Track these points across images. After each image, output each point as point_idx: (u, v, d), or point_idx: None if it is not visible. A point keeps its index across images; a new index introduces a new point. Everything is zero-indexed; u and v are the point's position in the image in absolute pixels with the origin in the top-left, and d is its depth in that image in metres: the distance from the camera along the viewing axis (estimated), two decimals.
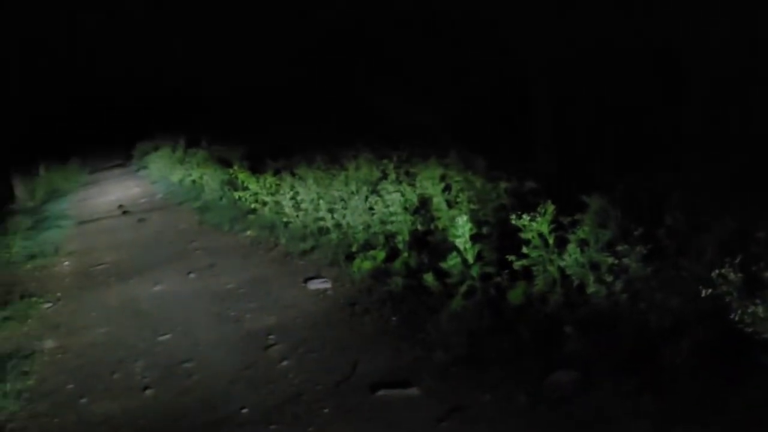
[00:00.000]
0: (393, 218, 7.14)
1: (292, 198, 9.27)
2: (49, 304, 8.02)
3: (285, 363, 5.31)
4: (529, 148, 8.13)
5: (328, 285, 6.96)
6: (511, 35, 8.75)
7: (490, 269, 5.48)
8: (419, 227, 6.97)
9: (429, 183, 7.04)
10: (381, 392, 4.55)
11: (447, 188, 6.91)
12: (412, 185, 7.41)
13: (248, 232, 9.98)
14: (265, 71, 16.53)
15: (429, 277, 5.82)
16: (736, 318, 3.49)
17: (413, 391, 4.51)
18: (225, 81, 18.87)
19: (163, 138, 21.69)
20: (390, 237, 7.21)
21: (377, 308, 6.07)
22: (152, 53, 24.58)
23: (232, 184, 11.94)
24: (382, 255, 6.99)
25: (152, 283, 8.21)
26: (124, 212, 14.30)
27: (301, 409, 4.53)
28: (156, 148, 21.34)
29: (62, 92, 26.58)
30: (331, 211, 8.33)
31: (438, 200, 6.76)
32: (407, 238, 6.93)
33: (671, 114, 6.55)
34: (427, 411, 4.23)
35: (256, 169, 11.46)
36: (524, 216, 4.99)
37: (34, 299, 8.21)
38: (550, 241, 4.92)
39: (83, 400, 5.27)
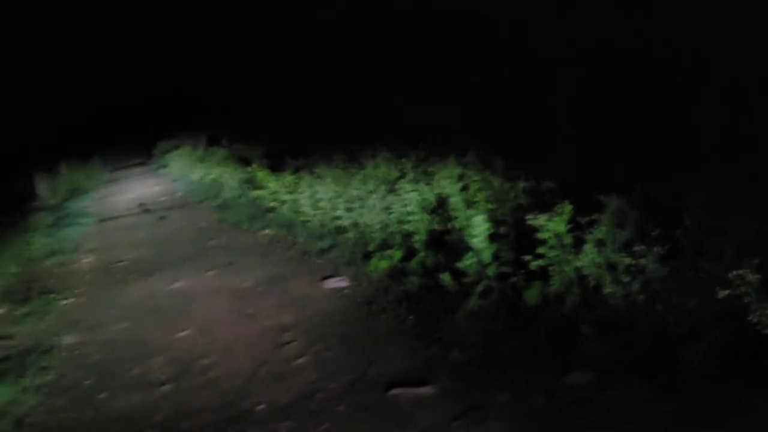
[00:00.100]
0: (410, 217, 7.13)
1: (311, 197, 9.30)
2: (69, 301, 8.13)
3: (301, 360, 5.33)
4: (547, 148, 8.08)
5: (345, 284, 6.97)
6: (529, 36, 8.71)
7: (506, 269, 5.46)
8: (436, 227, 6.96)
9: (447, 182, 7.02)
10: (396, 391, 4.55)
11: (465, 188, 6.88)
12: (430, 184, 7.39)
13: (267, 231, 10.03)
14: (286, 72, 16.60)
15: (446, 277, 5.81)
16: (755, 319, 3.46)
17: (428, 389, 4.50)
18: (246, 81, 18.98)
19: (184, 137, 21.88)
20: (407, 236, 7.20)
21: (394, 307, 6.07)
22: (174, 55, 24.82)
23: (252, 183, 12.01)
24: (399, 254, 6.99)
25: (171, 281, 8.28)
26: (145, 210, 14.44)
27: (316, 407, 4.55)
28: (177, 147, 21.51)
29: (86, 93, 26.92)
30: (348, 210, 8.34)
31: (455, 200, 6.73)
32: (424, 237, 6.91)
33: (689, 115, 6.48)
34: (441, 410, 4.22)
35: (275, 168, 11.52)
36: (541, 216, 4.97)
37: (53, 295, 8.32)
38: (567, 241, 4.89)
39: (101, 396, 5.33)
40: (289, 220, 9.81)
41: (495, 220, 5.92)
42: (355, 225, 8.18)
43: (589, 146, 7.65)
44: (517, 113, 9.03)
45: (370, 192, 8.01)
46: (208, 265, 8.69)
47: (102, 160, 25.44)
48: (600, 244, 4.65)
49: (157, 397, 5.15)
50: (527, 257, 5.05)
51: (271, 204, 10.56)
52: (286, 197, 10.18)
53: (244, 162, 14.10)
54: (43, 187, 18.77)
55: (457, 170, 7.17)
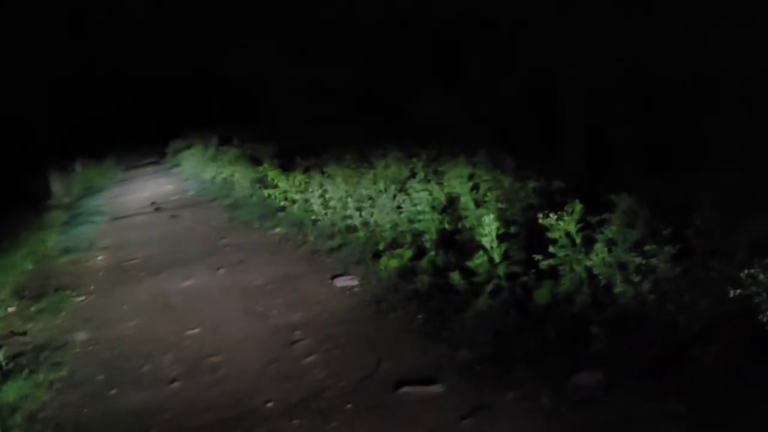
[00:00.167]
0: (420, 217, 7.13)
1: (321, 196, 9.33)
2: (82, 298, 8.19)
3: (310, 359, 5.34)
4: (557, 148, 8.06)
5: (354, 282, 6.98)
6: (539, 36, 8.69)
7: (516, 268, 5.45)
8: (446, 226, 6.96)
9: (457, 182, 7.02)
10: (404, 389, 4.56)
11: (475, 187, 6.88)
12: (440, 184, 7.40)
13: (277, 230, 10.06)
14: (296, 72, 16.64)
15: (455, 276, 5.80)
16: (766, 319, 3.43)
17: (437, 388, 4.50)
18: (256, 81, 19.04)
19: (196, 136, 21.97)
20: (417, 235, 7.20)
21: (403, 306, 6.07)
22: (187, 54, 24.94)
23: (263, 182, 12.06)
24: (409, 253, 6.99)
25: (182, 278, 8.32)
26: (157, 209, 14.51)
27: (325, 405, 4.56)
28: (189, 146, 21.61)
29: (100, 93, 27.10)
30: (359, 209, 8.36)
31: (466, 199, 6.73)
32: (434, 236, 6.92)
33: (700, 114, 6.44)
34: (450, 409, 4.22)
35: (285, 167, 11.55)
36: (551, 215, 4.96)
37: (67, 292, 8.39)
38: (578, 241, 4.87)
39: (112, 392, 5.37)
40: (300, 219, 9.83)
41: (505, 220, 5.92)
42: (365, 224, 8.19)
43: (600, 146, 7.62)
44: (527, 113, 9.00)
45: (381, 191, 8.02)
46: (218, 264, 8.73)
47: (115, 159, 25.61)
48: (610, 243, 4.63)
49: (167, 394, 5.18)
50: (537, 257, 5.04)
51: (282, 203, 10.60)
52: (297, 196, 10.21)
53: (255, 161, 14.16)
54: (57, 186, 18.94)
55: (467, 170, 7.17)
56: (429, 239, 6.92)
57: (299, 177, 10.44)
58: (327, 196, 9.18)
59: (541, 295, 5.08)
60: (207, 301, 7.32)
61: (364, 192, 8.37)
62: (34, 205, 16.18)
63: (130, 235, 12.04)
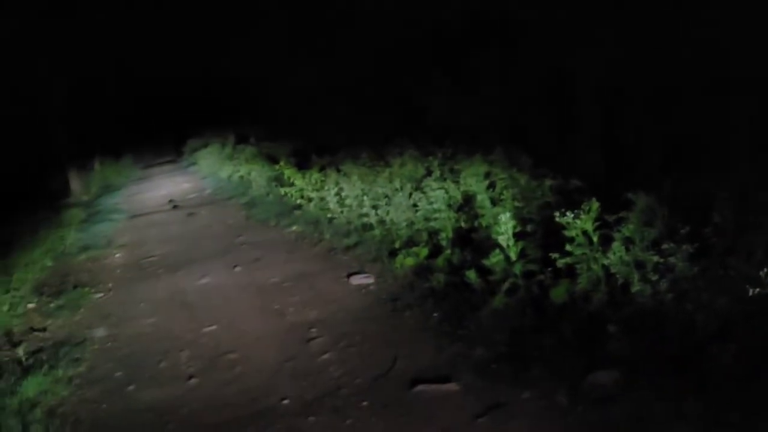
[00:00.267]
0: (436, 215, 7.13)
1: (337, 194, 9.35)
2: (101, 295, 8.27)
3: (326, 356, 5.36)
4: (574, 146, 8.01)
5: (370, 280, 6.99)
6: (555, 34, 8.63)
7: (533, 267, 5.43)
8: (463, 224, 6.95)
9: (473, 180, 7.00)
10: (420, 387, 4.56)
11: (491, 185, 6.87)
12: (457, 182, 7.39)
13: (294, 228, 10.09)
14: (311, 71, 16.67)
15: (471, 274, 5.80)
16: None
17: (452, 386, 4.50)
18: (271, 81, 19.10)
19: (213, 135, 22.10)
20: (433, 234, 7.20)
21: (419, 304, 6.07)
22: (203, 55, 25.11)
23: (279, 180, 12.11)
24: (425, 251, 6.99)
25: (199, 276, 8.38)
26: (174, 207, 14.62)
27: (341, 402, 4.57)
28: (206, 145, 21.75)
29: (118, 93, 27.35)
30: (375, 207, 8.37)
31: (482, 197, 6.72)
32: (450, 235, 6.91)
33: (719, 112, 6.37)
34: (465, 407, 4.22)
35: (302, 166, 11.60)
36: (568, 213, 4.93)
37: (86, 289, 8.48)
38: (595, 239, 4.85)
39: (130, 388, 5.42)
40: (316, 217, 9.86)
41: (521, 218, 5.90)
42: (381, 222, 8.20)
43: (617, 144, 7.57)
44: (544, 111, 8.96)
45: (397, 189, 8.02)
46: (235, 261, 8.77)
47: (133, 158, 25.83)
48: (628, 242, 4.60)
49: (184, 390, 5.22)
50: (554, 255, 5.02)
51: (298, 201, 10.64)
52: (313, 195, 10.24)
53: (272, 160, 14.21)
54: (76, 184, 19.15)
55: (483, 168, 7.15)
56: (445, 237, 6.91)
57: (315, 175, 10.47)
58: (343, 194, 9.19)
59: (558, 293, 5.06)
60: (224, 298, 7.37)
61: (380, 190, 8.38)
62: (54, 203, 16.37)
63: (147, 232, 12.15)
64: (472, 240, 6.60)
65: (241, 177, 15.30)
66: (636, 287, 4.47)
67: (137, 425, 4.82)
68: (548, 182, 6.32)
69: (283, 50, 18.09)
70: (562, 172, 6.38)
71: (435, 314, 5.78)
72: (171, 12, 23.99)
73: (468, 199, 7.08)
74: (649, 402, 3.77)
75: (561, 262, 4.98)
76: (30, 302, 8.17)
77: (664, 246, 4.35)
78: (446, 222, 7.01)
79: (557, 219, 5.02)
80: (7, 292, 8.39)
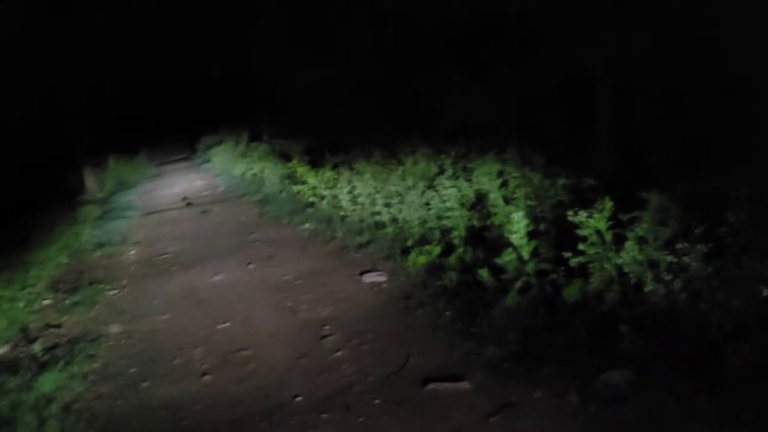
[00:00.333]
0: (449, 213, 7.13)
1: (350, 192, 9.37)
2: (115, 291, 8.34)
3: (338, 354, 5.38)
4: (588, 145, 7.98)
5: (383, 278, 7.00)
6: (571, 33, 8.60)
7: (545, 266, 5.42)
8: (475, 223, 6.95)
9: (486, 178, 7.00)
10: (432, 386, 4.57)
11: (504, 184, 6.86)
12: (469, 181, 7.39)
13: (306, 225, 10.12)
14: (324, 70, 16.71)
15: (484, 273, 5.79)
16: None
17: (464, 385, 4.51)
18: (284, 79, 19.17)
19: (227, 132, 22.20)
20: (446, 232, 7.20)
21: (431, 302, 6.08)
22: (217, 54, 25.25)
23: (292, 178, 12.16)
24: (437, 250, 6.99)
25: (213, 273, 8.43)
26: (188, 204, 14.70)
27: (353, 400, 4.59)
28: (219, 143, 21.87)
29: (132, 92, 27.55)
30: (387, 205, 8.38)
31: (495, 196, 6.71)
32: (463, 233, 6.91)
33: (733, 111, 6.33)
34: (477, 406, 4.22)
35: (315, 163, 11.63)
36: (581, 212, 4.92)
37: (101, 286, 8.55)
38: (608, 239, 4.84)
39: (144, 384, 5.46)
40: (329, 214, 9.89)
41: (534, 217, 5.89)
42: (394, 220, 8.21)
43: (631, 143, 7.53)
44: (557, 110, 8.93)
45: (409, 188, 8.03)
46: (248, 259, 8.82)
47: (147, 155, 25.98)
48: (641, 241, 4.59)
49: (198, 387, 5.25)
50: (567, 254, 5.02)
51: (311, 199, 10.67)
52: (326, 192, 10.27)
53: (285, 157, 14.27)
54: (91, 181, 19.31)
55: (496, 166, 7.14)
56: (457, 236, 6.91)
57: (328, 173, 10.49)
58: (355, 192, 9.21)
59: (571, 292, 5.05)
60: (237, 295, 7.41)
61: (393, 188, 8.39)
62: (69, 200, 16.52)
63: (161, 230, 12.23)
64: (485, 238, 6.60)
65: (255, 174, 15.36)
66: (649, 287, 4.45)
67: (151, 421, 4.85)
68: (561, 181, 6.30)
69: (296, 48, 18.14)
70: (575, 171, 6.36)
71: (447, 312, 5.79)
72: (187, 9, 24.14)
73: (481, 198, 7.08)
74: (661, 401, 3.76)
75: (574, 261, 4.98)
76: (46, 299, 8.25)
77: (678, 245, 4.33)
78: (459, 220, 7.01)
79: (570, 218, 5.02)
80: (24, 288, 8.50)
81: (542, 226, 5.83)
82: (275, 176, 13.50)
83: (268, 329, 6.21)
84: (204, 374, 5.45)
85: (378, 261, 7.60)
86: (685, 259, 4.28)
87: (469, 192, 7.22)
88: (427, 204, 7.61)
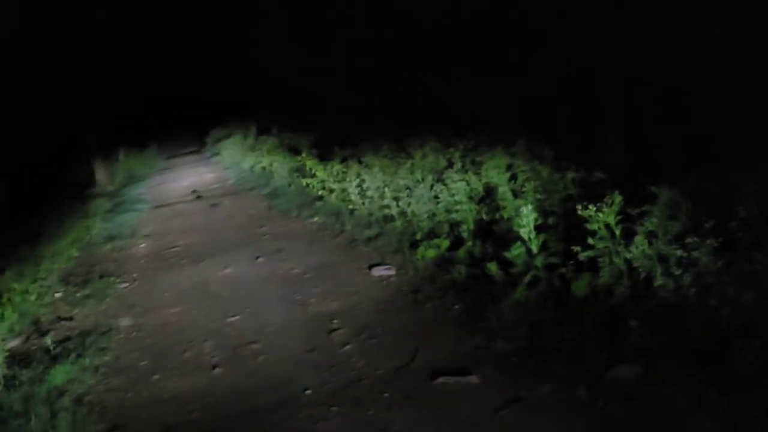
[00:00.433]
0: (458, 207, 7.13)
1: (358, 185, 9.38)
2: (126, 284, 8.39)
3: (348, 347, 5.40)
4: (597, 139, 7.95)
5: (391, 272, 7.01)
6: (571, 33, 8.57)
7: (554, 260, 5.42)
8: (484, 216, 6.94)
9: (495, 172, 7.00)
10: (441, 379, 4.58)
11: (513, 178, 6.85)
12: (478, 174, 7.39)
13: (315, 219, 10.14)
14: (335, 61, 16.70)
15: (493, 266, 5.79)
16: None
17: (473, 379, 4.51)
18: (293, 73, 19.17)
19: (236, 126, 22.22)
20: (454, 226, 7.20)
21: (440, 296, 6.09)
22: (226, 49, 25.32)
23: (301, 171, 12.15)
24: (446, 243, 6.99)
25: (222, 266, 8.46)
26: (197, 197, 14.75)
27: (362, 393, 4.61)
28: (228, 136, 21.88)
29: (142, 84, 27.65)
30: (396, 199, 8.38)
31: (503, 189, 6.71)
32: (472, 227, 6.91)
33: (743, 104, 6.28)
34: (485, 400, 4.23)
35: (323, 157, 11.63)
36: (591, 206, 4.91)
37: (112, 279, 8.61)
38: (617, 233, 4.83)
39: (155, 377, 5.50)
40: (337, 208, 9.90)
41: (543, 211, 5.88)
42: (403, 214, 8.21)
43: (641, 137, 7.50)
44: (567, 104, 8.90)
45: (418, 181, 8.03)
46: (258, 252, 8.85)
47: (157, 149, 26.06)
48: (651, 235, 4.58)
49: (208, 379, 5.29)
50: (576, 248, 5.01)
51: (320, 192, 10.68)
52: (335, 186, 10.28)
53: (294, 151, 14.28)
54: (101, 174, 19.40)
55: (505, 160, 7.14)
56: (466, 229, 6.91)
57: (337, 166, 10.50)
58: (364, 185, 9.22)
59: (580, 286, 5.05)
60: (246, 288, 7.44)
61: (402, 182, 8.39)
62: (79, 194, 16.61)
63: (171, 223, 12.28)
64: (494, 232, 6.59)
65: (263, 168, 15.38)
66: (659, 281, 4.44)
67: (162, 414, 4.88)
68: (570, 175, 6.30)
69: (297, 48, 18.15)
70: (585, 165, 6.34)
71: (456, 306, 5.79)
72: (187, 9, 24.21)
73: (489, 191, 7.08)
74: (671, 396, 3.75)
75: (583, 256, 4.97)
76: (57, 292, 8.33)
77: (688, 240, 4.32)
78: (467, 214, 7.01)
79: (579, 212, 5.01)
80: (35, 281, 8.56)
81: (551, 220, 5.83)
82: (284, 169, 13.52)
83: (277, 322, 6.24)
84: (214, 367, 5.49)
85: (387, 254, 7.61)
86: (695, 253, 4.27)
87: (478, 185, 7.22)
88: (436, 197, 7.61)
